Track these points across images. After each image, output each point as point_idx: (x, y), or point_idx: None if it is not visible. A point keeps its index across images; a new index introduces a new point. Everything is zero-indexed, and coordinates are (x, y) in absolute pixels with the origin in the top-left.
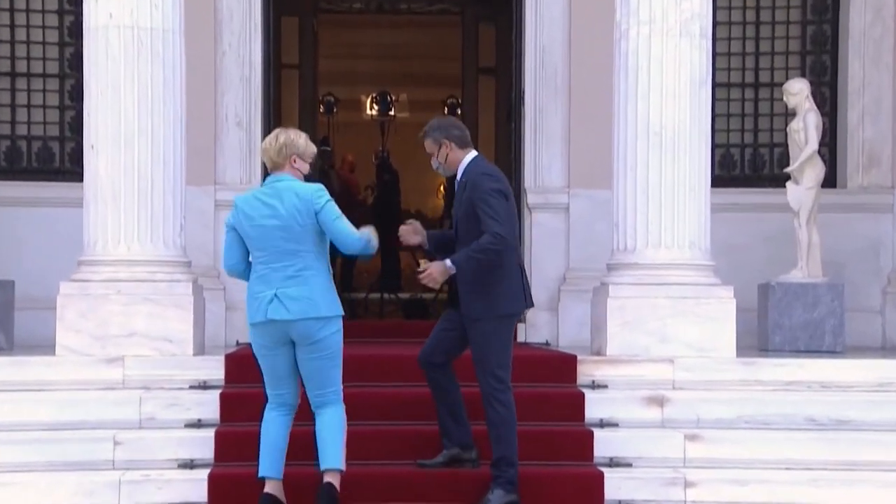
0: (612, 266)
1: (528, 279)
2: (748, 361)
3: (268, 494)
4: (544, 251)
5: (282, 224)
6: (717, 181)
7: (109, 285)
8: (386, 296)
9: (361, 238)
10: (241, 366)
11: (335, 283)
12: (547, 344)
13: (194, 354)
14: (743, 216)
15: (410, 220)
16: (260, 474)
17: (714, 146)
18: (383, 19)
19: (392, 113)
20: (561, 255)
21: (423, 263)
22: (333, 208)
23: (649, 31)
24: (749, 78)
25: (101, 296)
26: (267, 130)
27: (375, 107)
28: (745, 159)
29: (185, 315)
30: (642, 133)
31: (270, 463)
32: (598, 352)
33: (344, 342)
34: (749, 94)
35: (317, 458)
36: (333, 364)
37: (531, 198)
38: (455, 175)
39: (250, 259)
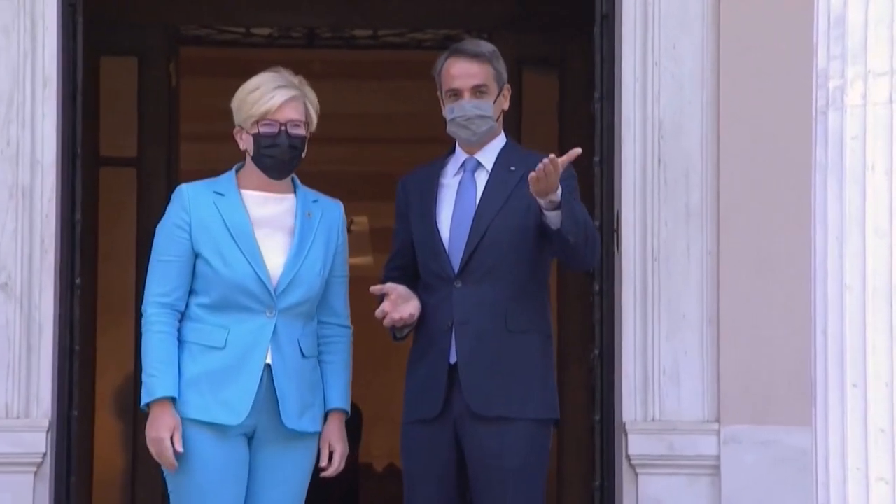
0: None
1: None
2: None
3: None
4: None
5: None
6: None
7: None
8: None
9: None
10: None
11: None
12: None
13: None
14: None
15: (389, 286)
16: None
17: None
18: (332, 60)
19: None
20: None
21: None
22: None
23: (890, 92)
24: None
25: None
26: (70, 297)
27: None
28: None
29: None
30: (878, 312)
31: None
32: None
33: None
34: None
35: None
36: None
37: (635, 444)
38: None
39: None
